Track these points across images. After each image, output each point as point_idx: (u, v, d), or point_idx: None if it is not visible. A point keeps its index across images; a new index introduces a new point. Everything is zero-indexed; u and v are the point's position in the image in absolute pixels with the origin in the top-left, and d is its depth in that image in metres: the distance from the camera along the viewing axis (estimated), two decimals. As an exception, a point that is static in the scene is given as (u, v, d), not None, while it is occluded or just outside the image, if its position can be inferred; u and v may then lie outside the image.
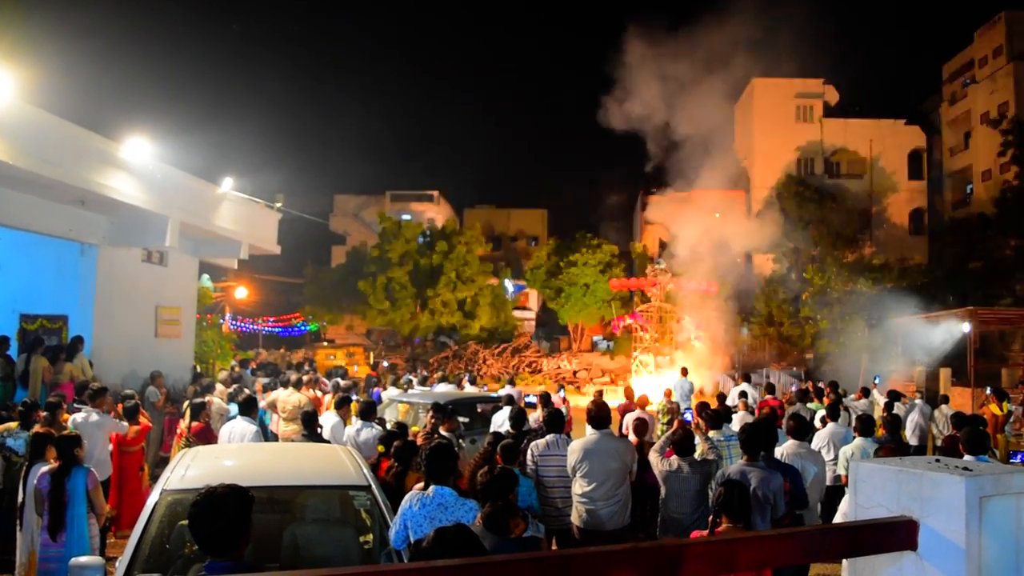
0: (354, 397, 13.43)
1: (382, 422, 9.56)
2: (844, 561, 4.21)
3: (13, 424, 8.16)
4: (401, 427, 8.32)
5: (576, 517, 6.66)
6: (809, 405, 12.58)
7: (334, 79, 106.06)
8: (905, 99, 48.95)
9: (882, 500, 2.11)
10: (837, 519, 4.60)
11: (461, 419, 11.02)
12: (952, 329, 21.47)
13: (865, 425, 8.35)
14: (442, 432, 8.04)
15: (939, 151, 44.31)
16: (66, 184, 11.24)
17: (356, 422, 8.81)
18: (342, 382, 15.10)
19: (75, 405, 9.40)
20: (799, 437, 7.22)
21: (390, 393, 14.57)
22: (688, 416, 9.33)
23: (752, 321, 32.49)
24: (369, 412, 8.96)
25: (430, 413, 8.99)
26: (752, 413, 11.51)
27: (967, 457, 6.43)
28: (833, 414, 9.25)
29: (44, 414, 8.32)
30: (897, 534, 2.01)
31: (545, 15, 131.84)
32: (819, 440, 9.24)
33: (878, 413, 12.75)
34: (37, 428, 7.82)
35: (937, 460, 2.19)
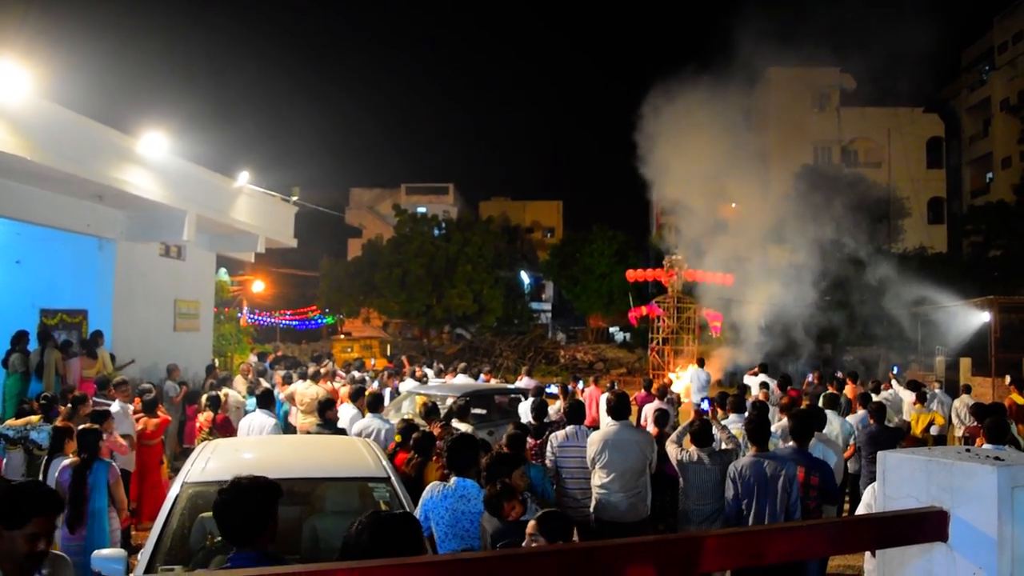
0: (375, 384, 13.41)
1: None
2: (866, 553, 4.18)
3: (35, 418, 8.24)
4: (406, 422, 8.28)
5: (595, 508, 6.64)
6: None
7: (349, 73, 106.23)
8: (923, 87, 48.35)
9: (911, 491, 2.07)
10: (860, 509, 4.56)
11: (479, 411, 11.03)
12: (972, 318, 21.26)
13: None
14: (459, 426, 8.02)
15: (958, 139, 43.90)
16: (84, 179, 11.30)
17: (367, 415, 8.78)
18: (358, 374, 15.12)
19: (97, 399, 9.48)
20: (818, 428, 7.17)
21: (407, 385, 14.57)
22: (706, 406, 9.23)
23: (768, 311, 32.24)
24: (377, 404, 8.93)
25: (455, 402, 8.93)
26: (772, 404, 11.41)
27: (987, 446, 6.38)
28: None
29: (64, 408, 8.38)
30: (927, 525, 1.98)
31: (557, 8, 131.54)
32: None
33: (905, 405, 12.69)
34: (72, 422, 7.89)
35: (967, 450, 2.15)
